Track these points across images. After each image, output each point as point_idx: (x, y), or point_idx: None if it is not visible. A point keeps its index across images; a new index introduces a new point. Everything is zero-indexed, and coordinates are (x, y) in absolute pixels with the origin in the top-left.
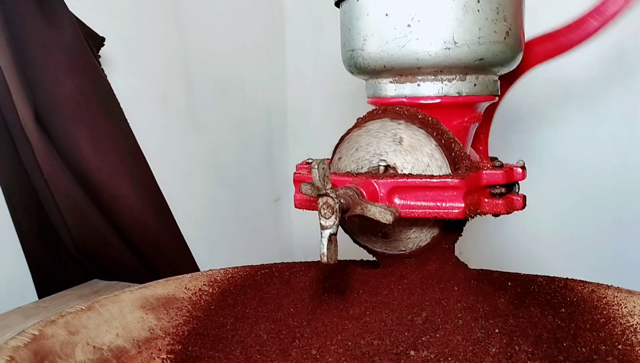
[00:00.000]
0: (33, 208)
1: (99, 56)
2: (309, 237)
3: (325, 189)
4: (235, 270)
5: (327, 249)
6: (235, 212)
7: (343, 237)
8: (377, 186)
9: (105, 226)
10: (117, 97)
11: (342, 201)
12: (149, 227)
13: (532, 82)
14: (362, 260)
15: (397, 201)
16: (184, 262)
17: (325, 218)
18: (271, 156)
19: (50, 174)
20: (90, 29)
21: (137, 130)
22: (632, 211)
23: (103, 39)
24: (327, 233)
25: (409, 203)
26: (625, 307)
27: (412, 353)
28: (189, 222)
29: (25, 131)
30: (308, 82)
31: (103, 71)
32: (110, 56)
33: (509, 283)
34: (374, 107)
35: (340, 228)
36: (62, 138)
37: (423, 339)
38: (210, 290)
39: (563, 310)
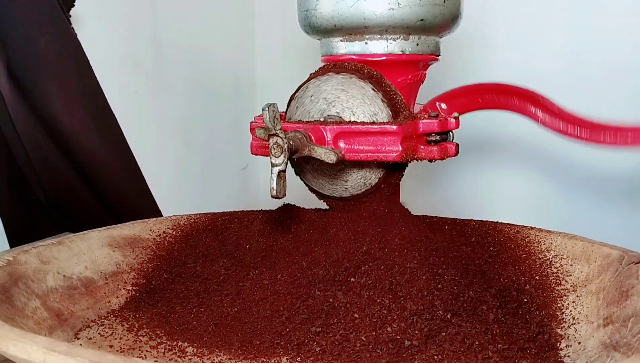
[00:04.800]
0: (4, 159)
1: (70, 16)
2: (276, 205)
3: (275, 130)
4: (198, 216)
5: (277, 184)
6: (204, 178)
7: (300, 193)
8: (324, 132)
9: (76, 180)
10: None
11: (291, 142)
12: (118, 181)
13: None
14: (316, 208)
15: (342, 145)
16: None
17: (275, 156)
18: (240, 126)
19: (22, 128)
20: None
21: (107, 92)
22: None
23: None
24: (276, 170)
25: (353, 147)
26: (544, 244)
27: (352, 279)
28: (158, 185)
29: None
30: (276, 54)
31: (73, 30)
32: (80, 17)
33: (446, 227)
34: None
35: (305, 184)
36: (34, 93)
37: (362, 268)
38: (174, 233)
39: (492, 248)
